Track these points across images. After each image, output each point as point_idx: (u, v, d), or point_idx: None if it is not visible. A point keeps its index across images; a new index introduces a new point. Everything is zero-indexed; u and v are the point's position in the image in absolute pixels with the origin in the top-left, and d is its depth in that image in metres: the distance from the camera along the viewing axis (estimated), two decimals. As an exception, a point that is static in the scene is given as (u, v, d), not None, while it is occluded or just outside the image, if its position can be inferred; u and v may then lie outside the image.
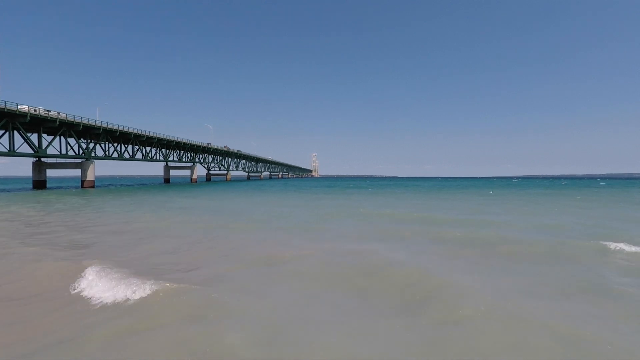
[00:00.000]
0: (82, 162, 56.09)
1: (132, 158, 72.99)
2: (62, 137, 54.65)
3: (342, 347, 3.86)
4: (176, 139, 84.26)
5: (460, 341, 3.99)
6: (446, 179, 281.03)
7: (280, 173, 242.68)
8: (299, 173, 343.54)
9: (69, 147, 56.85)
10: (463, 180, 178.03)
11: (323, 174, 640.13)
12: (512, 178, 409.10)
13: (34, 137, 52.48)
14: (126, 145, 70.90)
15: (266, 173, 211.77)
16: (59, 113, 48.62)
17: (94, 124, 55.64)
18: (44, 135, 53.45)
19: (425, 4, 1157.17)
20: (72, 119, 51.43)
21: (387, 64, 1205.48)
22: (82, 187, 55.13)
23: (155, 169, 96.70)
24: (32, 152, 49.36)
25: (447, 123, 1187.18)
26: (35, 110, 44.77)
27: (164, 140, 79.18)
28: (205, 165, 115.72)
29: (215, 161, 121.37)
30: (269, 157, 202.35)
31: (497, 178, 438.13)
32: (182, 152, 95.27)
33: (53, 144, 53.02)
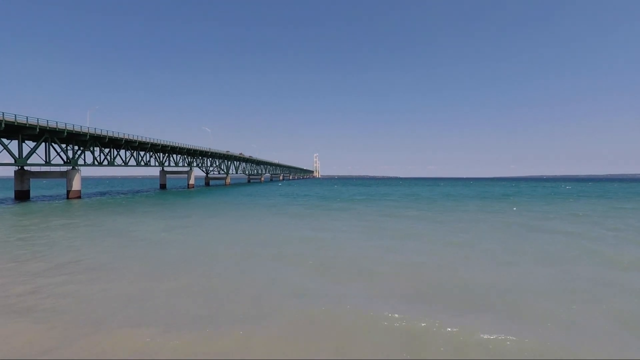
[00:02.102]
0: (67, 170, 52.28)
1: (125, 164, 69.34)
2: (46, 144, 51.02)
3: None
4: (172, 144, 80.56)
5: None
6: (450, 180, 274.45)
7: (282, 175, 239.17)
8: (301, 174, 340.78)
9: (54, 154, 53.43)
10: (468, 183, 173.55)
11: (325, 174, 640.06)
12: (516, 179, 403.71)
13: (14, 145, 48.91)
14: (118, 150, 67.18)
15: (267, 175, 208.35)
16: (38, 120, 44.82)
17: (79, 130, 51.87)
18: (28, 142, 49.88)
19: (430, 2, 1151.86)
20: (55, 126, 47.63)
21: (389, 64, 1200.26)
22: (68, 197, 51.33)
23: (154, 169, 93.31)
24: (11, 161, 45.67)
25: (450, 123, 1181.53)
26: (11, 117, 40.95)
27: (159, 145, 75.43)
28: (204, 169, 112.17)
29: (215, 164, 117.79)
30: (270, 160, 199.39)
31: (501, 179, 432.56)
32: (179, 156, 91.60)
33: (37, 151, 49.44)
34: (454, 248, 15.16)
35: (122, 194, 66.35)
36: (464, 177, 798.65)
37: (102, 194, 65.17)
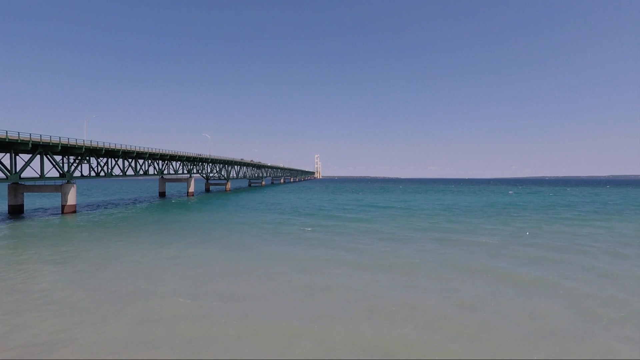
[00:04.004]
0: (62, 185, 50.77)
1: (123, 174, 67.81)
2: (41, 157, 49.53)
3: None
4: (171, 152, 79.16)
5: None
6: (451, 182, 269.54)
7: (283, 178, 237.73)
8: (302, 176, 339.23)
9: (50, 166, 52.03)
10: (470, 186, 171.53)
11: (326, 175, 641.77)
12: (518, 180, 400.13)
13: (7, 158, 47.41)
14: (116, 159, 65.72)
15: (268, 178, 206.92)
16: (31, 135, 43.39)
17: (74, 143, 50.42)
18: (22, 155, 48.41)
19: (427, 4, 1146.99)
20: (49, 140, 46.19)
21: (390, 64, 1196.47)
22: (63, 212, 49.84)
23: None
24: (3, 176, 44.22)
25: (451, 124, 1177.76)
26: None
27: (157, 154, 73.99)
28: (204, 175, 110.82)
29: (215, 170, 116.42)
30: (270, 163, 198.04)
31: (503, 180, 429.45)
32: (179, 163, 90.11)
33: (31, 164, 48.08)
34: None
35: (117, 205, 64.87)
36: (466, 178, 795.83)
37: (98, 206, 63.61)
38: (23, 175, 48.28)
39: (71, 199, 50.80)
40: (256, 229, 35.87)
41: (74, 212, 50.96)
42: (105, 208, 58.82)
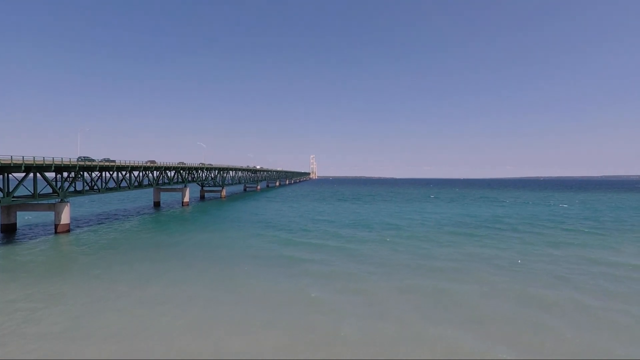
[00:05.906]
0: (55, 203, 50.58)
1: (118, 187, 67.64)
2: (34, 175, 49.25)
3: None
4: (165, 164, 79.06)
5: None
6: (445, 185, 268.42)
7: (278, 181, 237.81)
8: (297, 177, 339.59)
9: (43, 184, 51.88)
10: (462, 191, 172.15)
11: (322, 175, 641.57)
12: (512, 181, 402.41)
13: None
14: (111, 173, 65.55)
15: (263, 182, 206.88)
16: (24, 157, 43.25)
17: (68, 162, 50.37)
18: (15, 174, 48.15)
19: (423, 4, 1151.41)
20: (42, 161, 46.04)
21: (386, 65, 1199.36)
22: (56, 232, 49.66)
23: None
24: (-4, 198, 43.97)
25: (448, 124, 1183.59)
26: None
27: (152, 167, 73.89)
28: (199, 182, 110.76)
29: (210, 177, 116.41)
30: (265, 167, 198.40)
31: (497, 181, 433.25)
32: (174, 171, 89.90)
33: (24, 183, 47.85)
34: None
35: (111, 220, 64.69)
36: (461, 178, 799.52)
37: (91, 222, 63.32)
38: (16, 193, 48.07)
39: (64, 218, 50.62)
40: (216, 258, 35.93)
41: (68, 231, 50.77)
42: (98, 224, 58.57)
